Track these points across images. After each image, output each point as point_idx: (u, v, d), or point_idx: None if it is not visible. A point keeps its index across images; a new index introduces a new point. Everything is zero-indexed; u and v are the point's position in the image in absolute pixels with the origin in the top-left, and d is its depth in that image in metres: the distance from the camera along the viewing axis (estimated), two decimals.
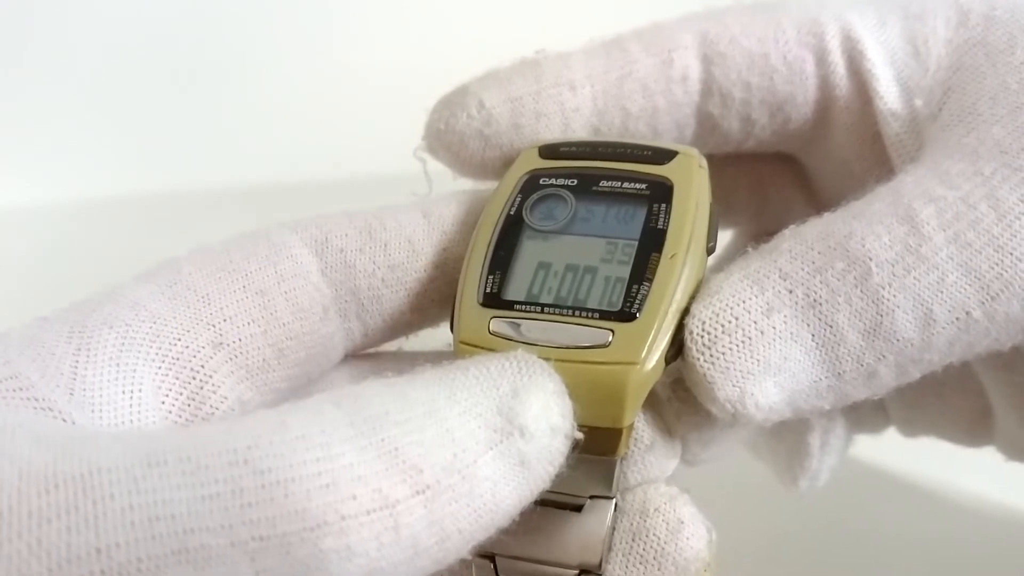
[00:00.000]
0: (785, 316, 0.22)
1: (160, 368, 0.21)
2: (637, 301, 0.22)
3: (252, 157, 0.59)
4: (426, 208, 0.25)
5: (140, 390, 0.21)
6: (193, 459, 0.16)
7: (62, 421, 0.19)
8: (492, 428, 0.19)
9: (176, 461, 0.16)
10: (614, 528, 0.22)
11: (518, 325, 0.22)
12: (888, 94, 0.27)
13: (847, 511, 0.37)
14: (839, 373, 0.22)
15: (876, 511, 0.37)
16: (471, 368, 0.20)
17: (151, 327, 0.21)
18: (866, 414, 0.33)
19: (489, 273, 0.23)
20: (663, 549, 0.22)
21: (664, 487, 0.23)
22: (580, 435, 0.20)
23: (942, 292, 0.22)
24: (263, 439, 0.17)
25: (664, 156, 0.25)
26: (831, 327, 0.22)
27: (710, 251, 0.24)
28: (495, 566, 0.22)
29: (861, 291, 0.22)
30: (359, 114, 0.59)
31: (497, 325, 0.22)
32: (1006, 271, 0.22)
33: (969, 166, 0.23)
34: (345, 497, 0.17)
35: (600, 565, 0.22)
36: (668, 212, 0.23)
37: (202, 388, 0.22)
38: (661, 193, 0.24)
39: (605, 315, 0.22)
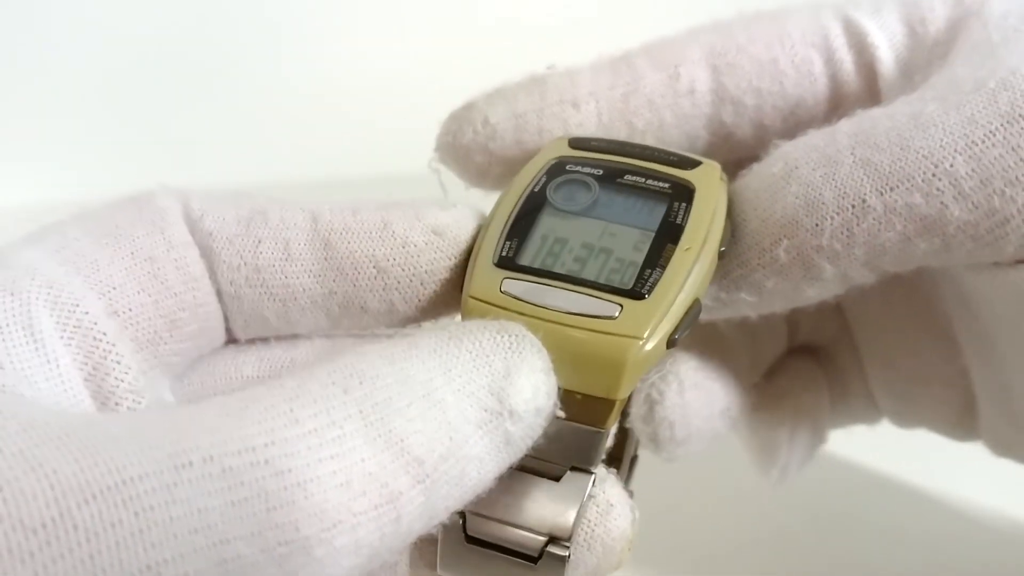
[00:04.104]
0: None
1: (63, 336, 0.20)
2: (648, 284, 0.22)
3: (252, 157, 0.59)
4: (318, 211, 0.24)
5: (62, 360, 0.20)
6: (216, 460, 0.16)
7: (21, 396, 0.18)
8: (483, 408, 0.19)
9: (201, 463, 0.16)
10: (589, 501, 0.22)
11: (529, 288, 0.22)
12: (890, 75, 0.28)
13: (845, 511, 0.37)
14: (745, 262, 0.24)
15: (874, 511, 0.38)
16: (464, 340, 0.20)
17: (48, 292, 0.20)
18: (858, 407, 0.33)
19: (507, 239, 0.24)
20: (593, 532, 0.22)
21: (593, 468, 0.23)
22: (561, 414, 0.21)
23: (834, 180, 0.23)
24: (278, 434, 0.17)
25: (689, 164, 0.25)
26: (744, 222, 0.24)
27: (721, 256, 0.24)
28: (464, 522, 0.22)
29: (765, 183, 0.24)
30: (359, 115, 0.59)
31: (509, 285, 0.23)
32: (908, 166, 0.23)
33: (915, 95, 0.24)
34: (357, 495, 0.17)
35: (570, 536, 0.22)
36: (688, 211, 0.24)
37: (106, 358, 0.21)
38: (683, 194, 0.24)
39: (616, 291, 0.22)
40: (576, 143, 0.26)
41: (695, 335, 0.28)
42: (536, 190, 0.25)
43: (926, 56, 0.27)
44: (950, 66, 0.25)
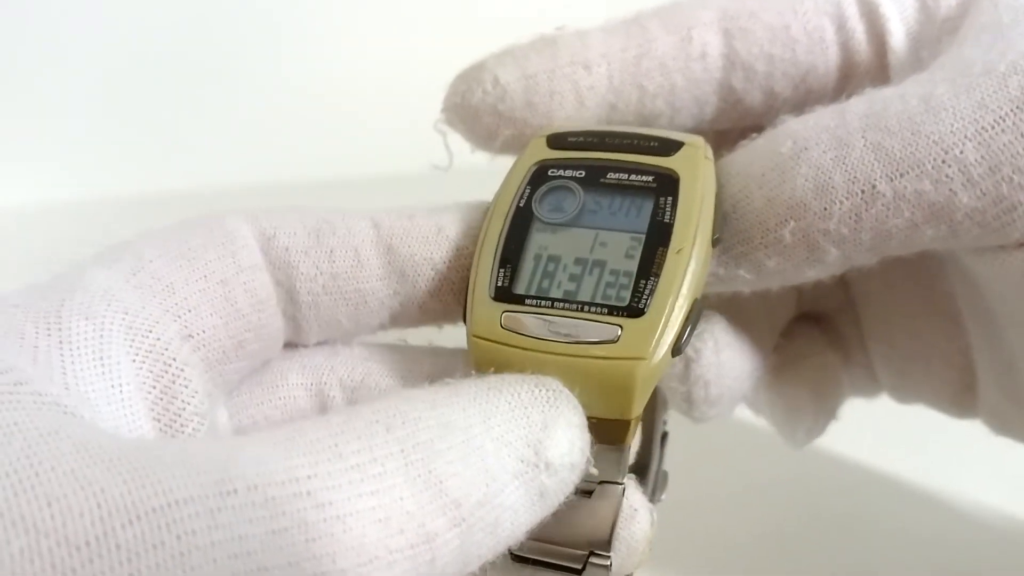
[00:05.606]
0: None
1: (135, 361, 0.21)
2: (645, 296, 0.22)
3: (252, 157, 0.59)
4: (377, 218, 0.25)
5: (126, 385, 0.20)
6: (260, 488, 0.16)
7: (80, 418, 0.18)
8: (520, 459, 0.19)
9: (245, 491, 0.16)
10: (621, 509, 0.23)
11: (529, 320, 0.22)
12: (899, 47, 0.28)
13: (846, 511, 0.37)
14: (748, 239, 0.24)
15: (874, 511, 0.38)
16: (504, 391, 0.20)
17: (123, 318, 0.21)
18: (858, 376, 0.33)
19: (500, 267, 0.24)
20: (619, 534, 0.23)
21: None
22: (595, 471, 0.21)
23: (845, 164, 0.23)
24: (321, 467, 0.17)
25: (670, 147, 0.25)
26: (748, 199, 0.24)
27: (715, 243, 0.24)
28: None
29: (773, 162, 0.24)
30: (359, 115, 0.59)
31: (509, 320, 0.23)
32: (918, 151, 0.23)
33: (926, 75, 0.24)
34: (395, 532, 0.17)
35: (609, 545, 0.23)
36: (674, 206, 0.24)
37: (175, 382, 0.21)
38: (667, 186, 0.24)
39: (613, 310, 0.22)
40: (554, 141, 0.26)
41: (719, 299, 0.28)
42: (522, 205, 0.25)
43: (936, 32, 0.27)
44: (959, 45, 0.25)
